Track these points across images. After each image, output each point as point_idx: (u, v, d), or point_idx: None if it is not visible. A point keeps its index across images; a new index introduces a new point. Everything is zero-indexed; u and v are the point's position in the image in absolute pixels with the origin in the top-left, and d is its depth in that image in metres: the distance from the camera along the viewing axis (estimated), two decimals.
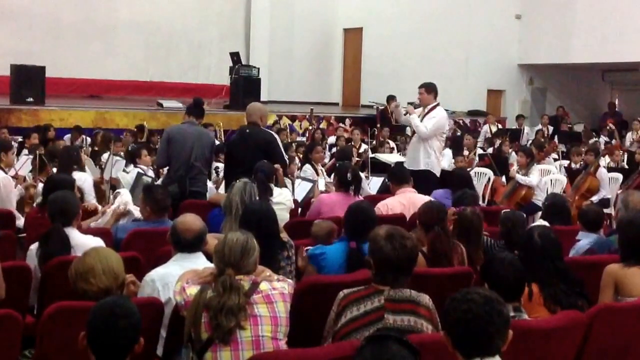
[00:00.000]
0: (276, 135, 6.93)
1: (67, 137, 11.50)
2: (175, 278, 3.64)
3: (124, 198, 5.62)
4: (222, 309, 3.16)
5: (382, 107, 15.92)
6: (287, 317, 3.34)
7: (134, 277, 3.49)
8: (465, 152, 11.58)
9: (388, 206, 6.11)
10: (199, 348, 3.20)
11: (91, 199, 6.60)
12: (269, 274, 3.52)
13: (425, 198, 5.92)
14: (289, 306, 3.36)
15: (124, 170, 7.73)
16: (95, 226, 5.47)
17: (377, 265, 3.43)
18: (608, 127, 15.91)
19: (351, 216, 4.57)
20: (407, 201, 6.09)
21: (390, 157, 10.27)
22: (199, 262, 3.83)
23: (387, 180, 7.64)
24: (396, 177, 6.56)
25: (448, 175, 7.81)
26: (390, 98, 15.87)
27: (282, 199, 5.86)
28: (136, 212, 5.53)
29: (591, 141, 13.84)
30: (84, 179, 6.71)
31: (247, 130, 6.64)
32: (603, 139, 15.00)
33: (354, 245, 4.38)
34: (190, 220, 3.97)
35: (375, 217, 4.63)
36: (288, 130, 14.37)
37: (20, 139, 10.40)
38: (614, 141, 14.66)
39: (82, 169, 6.97)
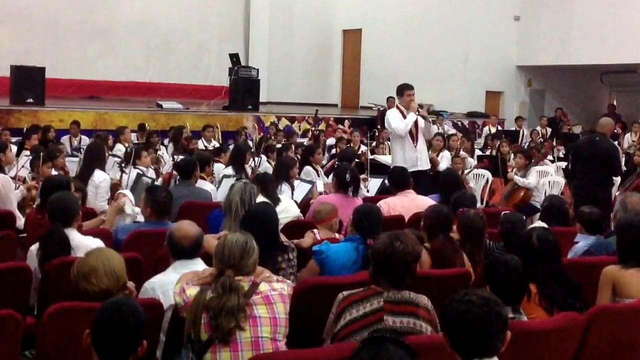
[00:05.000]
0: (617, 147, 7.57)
1: (65, 138, 11.47)
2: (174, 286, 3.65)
3: (128, 196, 5.64)
4: (221, 309, 3.17)
5: (383, 108, 15.92)
6: (287, 318, 3.35)
7: (133, 285, 3.51)
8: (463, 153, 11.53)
9: (389, 204, 6.16)
10: (199, 349, 3.20)
11: (102, 201, 6.65)
12: (268, 275, 3.53)
13: (429, 201, 5.95)
14: (288, 307, 3.37)
15: (122, 171, 7.74)
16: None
17: (376, 266, 3.44)
18: (615, 131, 15.85)
19: (365, 216, 4.59)
20: (409, 202, 6.14)
21: (389, 159, 10.26)
22: (198, 268, 3.79)
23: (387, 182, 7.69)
24: (398, 182, 6.59)
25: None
26: (391, 100, 15.91)
27: (290, 214, 5.88)
28: (139, 216, 5.55)
29: None
30: (103, 178, 6.80)
31: (597, 138, 7.74)
32: None
33: (372, 243, 4.40)
34: (187, 227, 3.92)
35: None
36: (283, 132, 14.33)
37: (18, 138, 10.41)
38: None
39: (103, 169, 7.04)
